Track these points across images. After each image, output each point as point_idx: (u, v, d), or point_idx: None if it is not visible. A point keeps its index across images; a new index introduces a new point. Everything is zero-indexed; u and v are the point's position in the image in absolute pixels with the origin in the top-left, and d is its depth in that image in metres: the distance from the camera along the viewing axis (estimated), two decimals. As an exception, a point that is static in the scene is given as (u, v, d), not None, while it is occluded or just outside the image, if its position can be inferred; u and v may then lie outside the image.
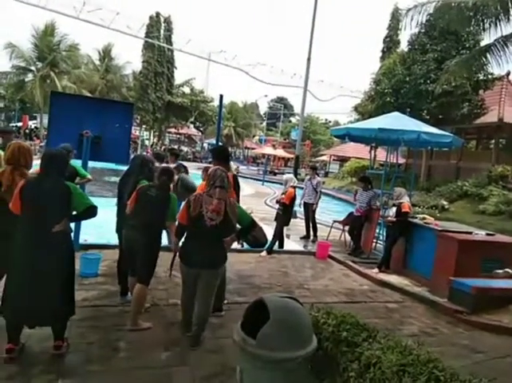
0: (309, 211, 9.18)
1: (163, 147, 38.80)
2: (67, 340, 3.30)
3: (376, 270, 6.91)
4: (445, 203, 15.81)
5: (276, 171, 36.91)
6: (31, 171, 3.56)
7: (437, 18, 11.80)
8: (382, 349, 2.27)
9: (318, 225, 9.36)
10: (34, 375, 2.95)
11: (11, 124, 38.20)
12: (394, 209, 7.13)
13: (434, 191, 17.77)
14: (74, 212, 3.24)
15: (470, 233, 6.55)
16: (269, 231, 7.83)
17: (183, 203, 3.62)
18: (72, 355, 3.27)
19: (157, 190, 3.97)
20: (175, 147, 42.59)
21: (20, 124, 35.49)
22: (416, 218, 7.18)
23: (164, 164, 6.43)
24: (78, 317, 3.64)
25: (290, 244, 8.47)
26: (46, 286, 3.01)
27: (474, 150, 24.38)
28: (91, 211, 3.23)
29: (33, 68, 30.78)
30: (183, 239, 3.71)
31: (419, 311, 5.35)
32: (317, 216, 9.37)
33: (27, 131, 31.89)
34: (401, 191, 7.20)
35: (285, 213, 7.67)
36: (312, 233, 9.22)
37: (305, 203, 9.36)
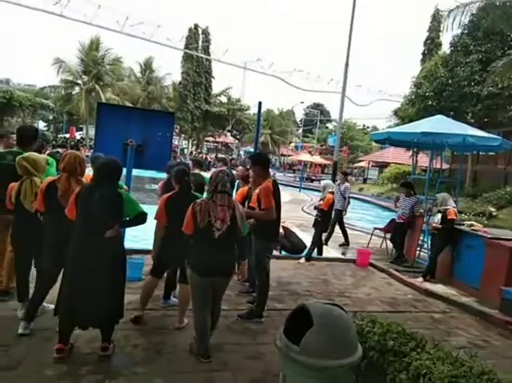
0: (338, 217, 9.00)
1: (201, 155, 39.52)
2: (113, 342, 3.40)
3: (421, 279, 6.66)
4: (493, 209, 15.05)
5: (313, 177, 36.61)
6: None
7: (481, 18, 11.42)
8: (432, 359, 2.18)
9: (358, 232, 9.21)
10: (83, 375, 3.05)
11: (59, 135, 40.25)
12: (439, 216, 6.87)
13: (480, 198, 16.97)
14: (126, 218, 3.35)
15: (522, 241, 6.19)
16: (306, 238, 7.80)
17: (188, 212, 3.39)
18: (118, 356, 3.36)
19: (183, 194, 3.87)
20: (213, 155, 43.39)
21: (67, 135, 37.36)
22: (463, 225, 6.87)
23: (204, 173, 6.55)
24: (123, 320, 3.72)
25: (329, 251, 8.35)
26: (99, 289, 3.11)
27: (524, 154, 23.12)
28: (141, 218, 3.34)
29: (79, 81, 32.37)
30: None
31: (467, 322, 5.11)
32: (356, 223, 9.20)
33: (74, 142, 33.47)
34: (444, 196, 6.92)
35: (323, 220, 7.58)
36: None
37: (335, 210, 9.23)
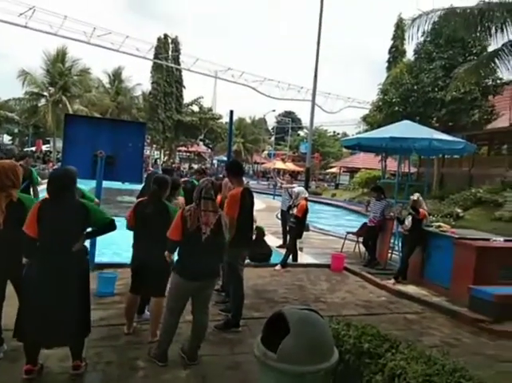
0: (286, 218, 8.93)
1: (174, 165, 39.16)
2: (85, 360, 3.29)
3: (393, 280, 6.80)
4: (459, 210, 15.56)
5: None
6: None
7: (442, 26, 11.81)
8: (406, 359, 2.22)
9: (331, 237, 9.31)
10: (54, 396, 2.94)
11: (25, 149, 38.99)
12: (410, 218, 7.03)
13: (447, 199, 17.53)
14: (92, 228, 3.25)
15: (488, 240, 6.43)
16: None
17: (175, 219, 3.46)
18: (90, 375, 3.25)
19: (151, 203, 3.90)
20: (186, 165, 43.09)
21: (34, 148, 36.24)
22: (432, 226, 7.07)
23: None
24: (95, 337, 3.64)
25: (304, 257, 8.40)
26: (63, 305, 2.98)
27: (486, 156, 24.13)
28: (111, 225, 3.27)
29: (45, 93, 31.46)
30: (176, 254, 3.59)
31: (439, 321, 5.23)
32: (330, 228, 9.32)
33: (41, 155, 32.47)
34: (419, 196, 6.99)
35: (297, 226, 7.63)
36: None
37: (282, 211, 9.45)
